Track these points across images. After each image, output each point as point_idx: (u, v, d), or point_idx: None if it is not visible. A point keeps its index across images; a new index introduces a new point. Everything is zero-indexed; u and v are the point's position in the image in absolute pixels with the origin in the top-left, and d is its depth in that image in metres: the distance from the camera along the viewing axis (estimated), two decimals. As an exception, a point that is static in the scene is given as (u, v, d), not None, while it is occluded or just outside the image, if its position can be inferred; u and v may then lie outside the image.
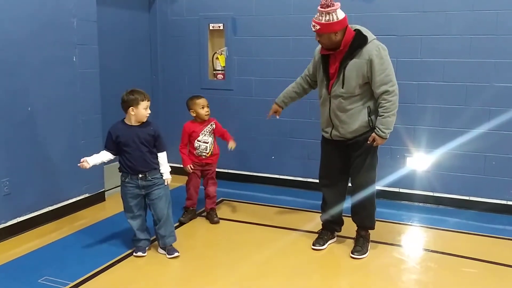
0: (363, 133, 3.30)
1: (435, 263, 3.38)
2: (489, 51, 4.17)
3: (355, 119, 3.28)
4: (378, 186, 3.78)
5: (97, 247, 3.56)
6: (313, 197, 4.38)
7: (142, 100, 3.24)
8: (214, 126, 4.05)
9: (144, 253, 3.43)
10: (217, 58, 5.22)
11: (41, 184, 3.96)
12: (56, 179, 4.10)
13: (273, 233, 3.88)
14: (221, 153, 4.15)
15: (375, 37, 3.24)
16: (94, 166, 3.35)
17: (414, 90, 4.43)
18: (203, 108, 3.96)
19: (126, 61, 5.04)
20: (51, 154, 4.03)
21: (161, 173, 3.39)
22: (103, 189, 4.61)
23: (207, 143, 4.00)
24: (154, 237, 3.51)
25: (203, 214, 4.21)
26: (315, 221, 3.88)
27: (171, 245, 3.43)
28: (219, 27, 5.10)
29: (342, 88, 3.24)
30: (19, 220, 3.79)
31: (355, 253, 3.43)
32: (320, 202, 3.65)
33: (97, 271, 3.18)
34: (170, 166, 3.46)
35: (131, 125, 3.29)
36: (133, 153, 3.28)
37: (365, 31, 3.23)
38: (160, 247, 3.47)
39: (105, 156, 3.33)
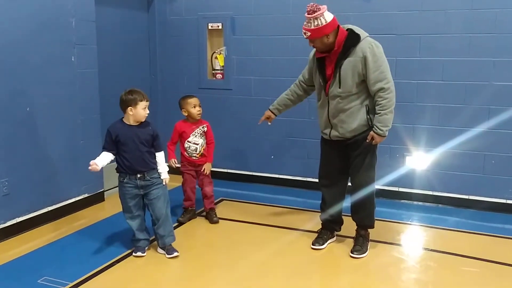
0: (362, 132, 3.30)
1: (435, 262, 3.38)
2: (488, 50, 4.16)
3: (354, 118, 3.28)
4: (378, 185, 3.78)
5: (96, 247, 3.56)
6: (313, 197, 4.37)
7: (141, 100, 3.23)
8: (205, 129, 4.02)
9: (144, 253, 3.43)
10: (216, 57, 5.21)
11: (40, 184, 3.95)
12: (55, 179, 4.09)
13: (273, 232, 3.88)
14: (220, 153, 4.12)
15: (367, 34, 3.24)
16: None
17: (413, 89, 4.43)
18: (194, 107, 3.95)
19: (125, 61, 5.03)
20: (50, 154, 4.02)
21: (159, 173, 3.39)
22: (102, 189, 4.61)
23: (197, 144, 3.97)
24: (154, 237, 3.51)
25: (202, 214, 4.21)
26: (314, 221, 3.88)
27: (171, 244, 3.43)
28: (218, 26, 5.09)
29: (339, 88, 3.24)
30: (18, 221, 3.78)
31: (355, 253, 3.43)
32: (320, 202, 3.65)
33: (97, 271, 3.18)
34: (168, 166, 3.47)
35: (130, 125, 3.28)
36: (132, 153, 3.27)
37: (357, 29, 3.23)
38: (160, 247, 3.46)
39: (108, 157, 3.30)
